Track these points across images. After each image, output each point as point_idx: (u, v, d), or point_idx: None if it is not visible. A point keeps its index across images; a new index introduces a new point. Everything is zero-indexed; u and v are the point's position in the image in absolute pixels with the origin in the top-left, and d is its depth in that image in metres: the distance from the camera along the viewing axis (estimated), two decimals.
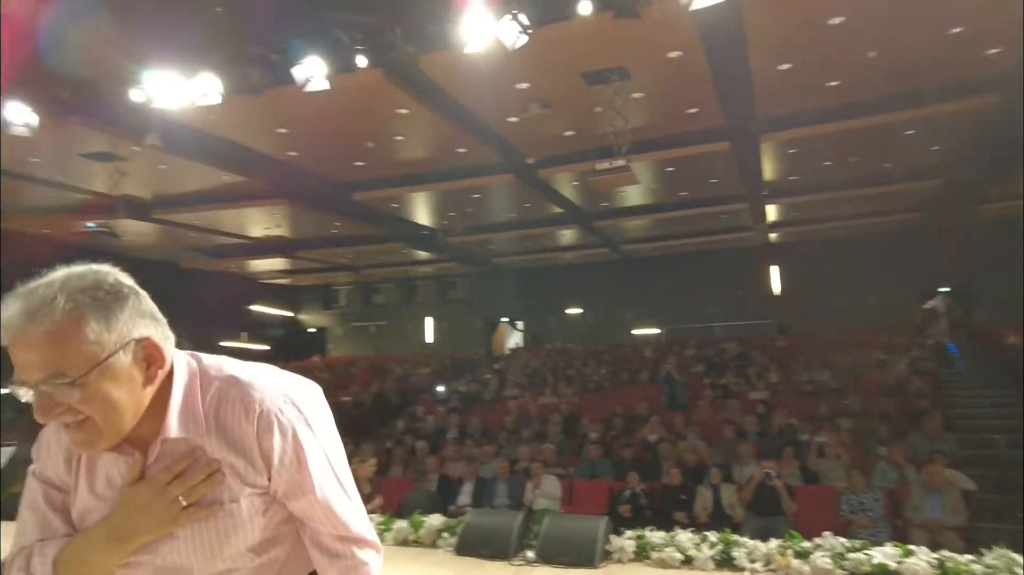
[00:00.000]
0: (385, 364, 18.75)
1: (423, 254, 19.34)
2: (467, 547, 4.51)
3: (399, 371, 17.14)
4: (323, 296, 24.88)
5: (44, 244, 15.03)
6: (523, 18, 6.40)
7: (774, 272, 18.86)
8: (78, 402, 1.04)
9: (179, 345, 1.23)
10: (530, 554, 4.29)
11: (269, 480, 1.17)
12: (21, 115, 8.40)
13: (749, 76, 8.30)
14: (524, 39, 6.45)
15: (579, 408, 10.83)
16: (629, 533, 4.33)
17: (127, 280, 1.15)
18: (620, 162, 8.25)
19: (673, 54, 7.62)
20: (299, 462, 1.17)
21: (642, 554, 4.20)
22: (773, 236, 17.92)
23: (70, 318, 1.04)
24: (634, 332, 20.01)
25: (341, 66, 7.57)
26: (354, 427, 11.60)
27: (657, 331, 19.82)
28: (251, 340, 23.50)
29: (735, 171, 11.92)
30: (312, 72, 7.45)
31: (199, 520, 1.14)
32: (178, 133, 9.47)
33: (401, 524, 4.88)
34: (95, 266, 1.13)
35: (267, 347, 23.75)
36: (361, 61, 7.52)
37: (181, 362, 1.20)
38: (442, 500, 7.18)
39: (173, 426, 1.14)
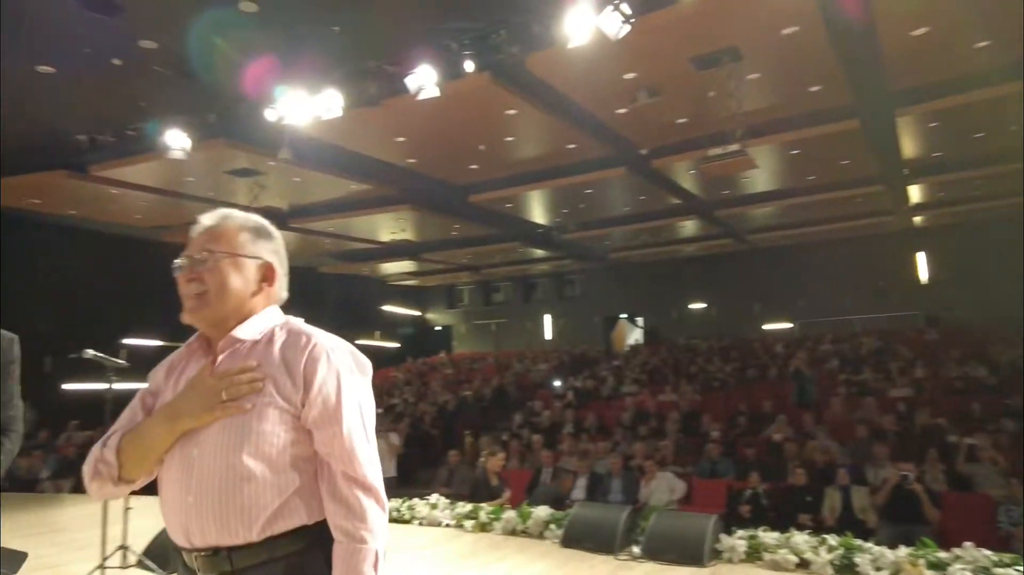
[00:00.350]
0: (505, 360, 19.16)
1: (539, 252, 19.57)
2: (573, 539, 4.54)
3: (518, 367, 17.44)
4: (447, 295, 25.85)
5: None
6: (625, 7, 6.32)
7: (920, 259, 17.15)
8: (207, 271, 1.49)
9: None
10: (636, 549, 4.25)
11: (303, 405, 1.35)
12: (178, 140, 9.45)
13: (877, 45, 7.63)
14: (627, 28, 6.37)
15: (700, 406, 10.49)
16: (741, 532, 4.16)
17: (276, 232, 1.65)
18: (734, 147, 7.91)
19: (788, 30, 7.17)
20: (337, 396, 1.37)
21: (754, 555, 4.03)
22: (918, 219, 16.32)
23: (234, 226, 1.56)
24: (765, 327, 18.99)
25: (451, 73, 7.86)
26: (475, 421, 11.98)
27: (789, 325, 18.71)
28: (383, 338, 24.92)
29: (868, 151, 11.00)
30: (424, 80, 7.78)
31: (232, 415, 1.35)
32: (307, 147, 10.27)
33: (510, 514, 5.00)
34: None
35: (397, 344, 25.09)
36: (468, 66, 7.76)
37: (279, 311, 1.58)
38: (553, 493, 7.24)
39: (245, 331, 1.47)
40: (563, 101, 9.12)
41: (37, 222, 14.19)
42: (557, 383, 14.48)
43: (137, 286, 16.62)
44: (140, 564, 4.05)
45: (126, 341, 17.06)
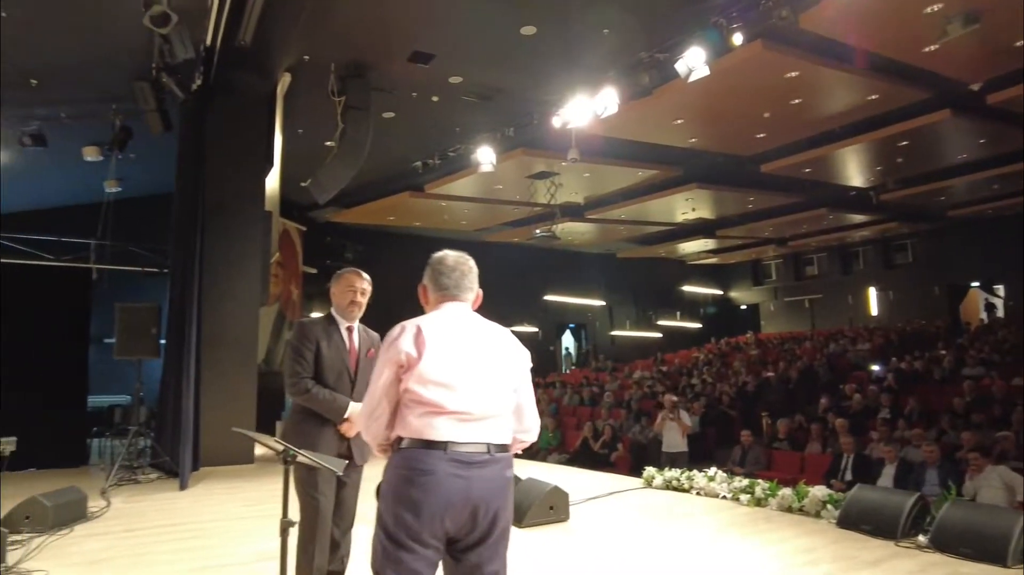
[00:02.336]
0: (820, 340, 17.67)
1: (857, 217, 17.53)
2: (850, 521, 4.35)
3: (833, 347, 15.98)
4: (752, 272, 24.70)
5: (513, 251, 19.08)
6: None
7: None
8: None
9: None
10: (922, 538, 3.92)
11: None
12: (486, 156, 11.00)
13: None
14: None
15: None
16: None
17: (437, 259, 2.22)
18: None
19: None
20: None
21: None
22: None
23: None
24: None
25: (720, 49, 7.80)
26: (776, 403, 11.50)
27: None
28: (684, 319, 24.98)
29: None
30: (693, 62, 7.84)
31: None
32: (592, 144, 11.06)
33: (785, 491, 4.97)
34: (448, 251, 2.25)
35: (699, 325, 24.89)
36: (738, 39, 7.61)
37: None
38: (857, 481, 6.75)
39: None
40: (852, 52, 8.25)
41: (392, 234, 17.81)
42: (876, 367, 12.95)
43: None
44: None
45: None
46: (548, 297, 22.13)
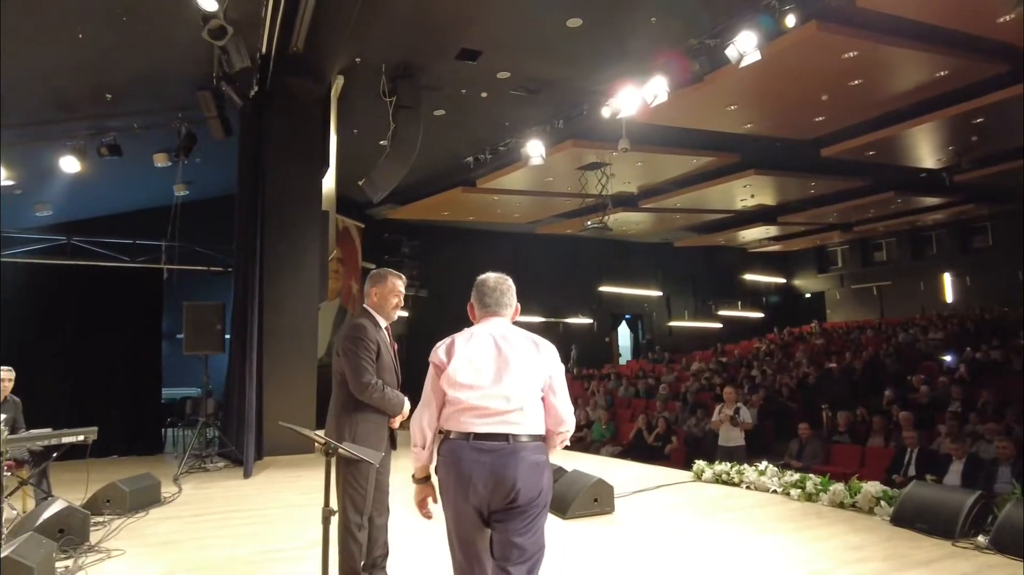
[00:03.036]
0: (887, 329, 16.94)
1: (929, 200, 16.68)
2: (905, 518, 4.21)
3: (903, 337, 15.29)
4: (817, 259, 23.85)
5: (566, 243, 19.05)
6: None
7: None
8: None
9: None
10: (982, 539, 3.77)
11: None
12: (536, 149, 11.03)
13: None
14: None
15: None
16: None
17: (480, 281, 2.55)
18: None
19: None
20: None
21: None
22: None
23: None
24: None
25: (772, 32, 7.58)
26: (838, 395, 11.13)
27: None
28: (746, 308, 24.36)
29: None
30: (744, 47, 7.65)
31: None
32: (644, 132, 10.94)
33: (838, 486, 4.85)
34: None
35: (761, 315, 24.22)
36: (791, 20, 7.38)
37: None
38: (921, 477, 6.49)
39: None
40: (915, 28, 7.85)
41: (446, 228, 18.08)
42: (948, 357, 12.33)
43: (521, 272, 19.81)
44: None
45: (519, 319, 20.49)
46: (603, 288, 22.00)
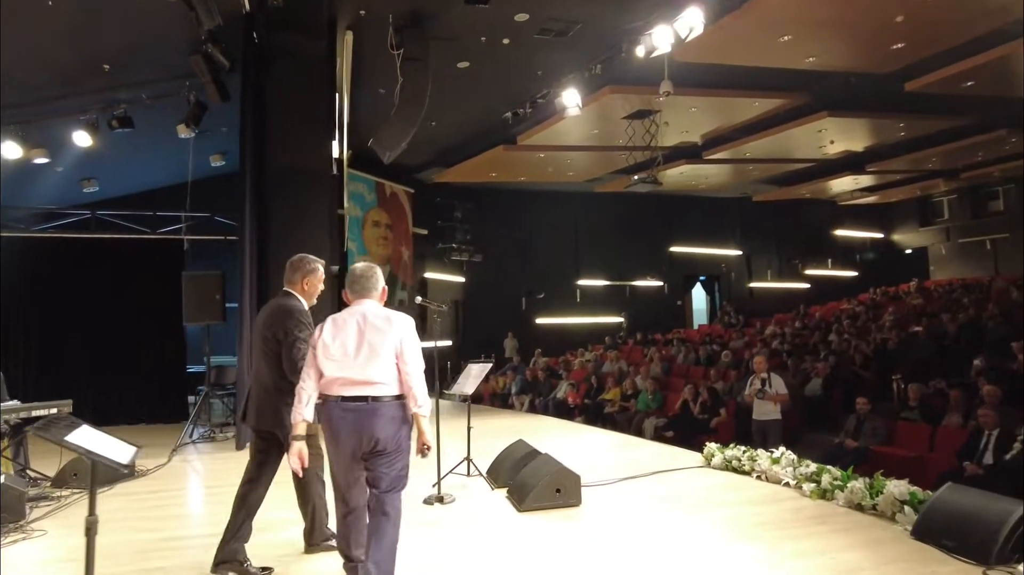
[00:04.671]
0: (1001, 287, 14.88)
1: None
2: (929, 532, 3.35)
3: (1016, 295, 13.33)
4: (919, 210, 21.40)
5: (630, 201, 17.97)
6: None
7: None
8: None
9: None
10: (1023, 568, 2.89)
11: None
12: (571, 98, 10.20)
13: None
14: None
15: None
16: None
17: (350, 271, 2.99)
18: None
19: None
20: None
21: None
22: None
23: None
24: None
25: None
26: (921, 362, 9.80)
27: None
28: (837, 267, 22.35)
29: None
30: None
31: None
32: (693, 74, 9.83)
33: (856, 484, 4.00)
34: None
35: (855, 273, 22.15)
36: None
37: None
38: (1000, 465, 5.42)
39: None
40: None
41: (499, 190, 17.48)
42: None
43: (581, 233, 18.99)
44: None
45: (580, 282, 19.76)
46: (674, 249, 20.80)
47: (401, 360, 2.79)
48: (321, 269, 3.49)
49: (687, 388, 9.97)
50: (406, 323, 2.86)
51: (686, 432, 9.40)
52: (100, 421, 8.35)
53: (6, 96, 7.22)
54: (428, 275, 17.20)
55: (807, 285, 21.78)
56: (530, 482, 4.17)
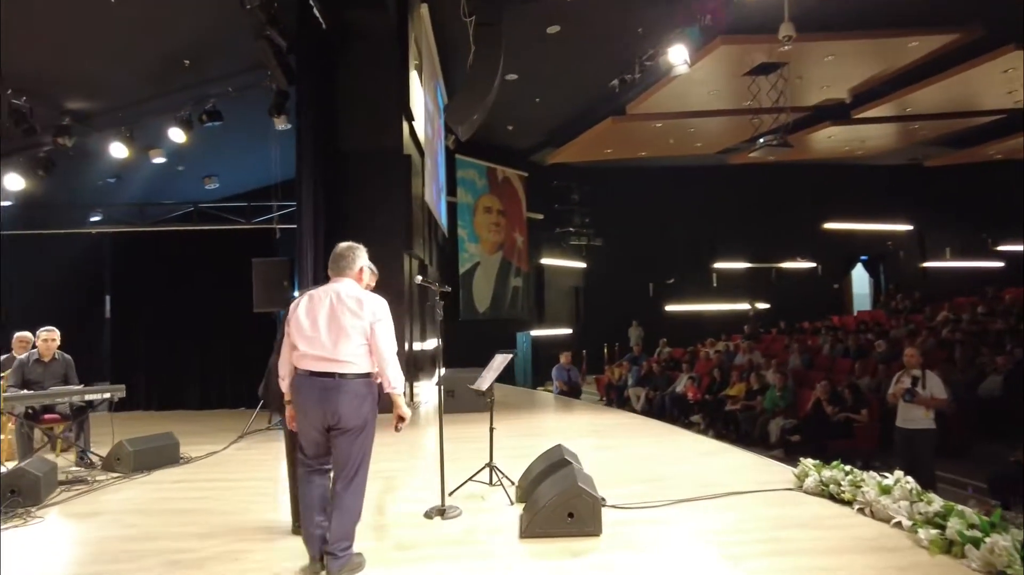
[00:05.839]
0: None
1: None
2: None
3: None
4: None
5: (773, 172, 15.99)
6: None
7: None
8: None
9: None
10: None
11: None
12: (678, 54, 9.06)
13: None
14: None
15: None
16: None
17: (335, 248, 3.10)
18: None
19: None
20: None
21: None
22: None
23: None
24: None
25: None
26: None
27: None
28: None
29: None
30: None
31: None
32: (825, 14, 8.27)
33: (1000, 541, 2.75)
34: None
35: None
36: None
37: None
38: None
39: None
40: None
41: (619, 169, 16.33)
42: None
43: (715, 211, 17.27)
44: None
45: (716, 265, 18.05)
46: (829, 225, 18.40)
47: (373, 342, 2.90)
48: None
49: (820, 385, 8.45)
50: (378, 306, 2.96)
51: (817, 436, 7.95)
52: (204, 405, 8.81)
53: (104, 98, 7.66)
54: (545, 261, 16.59)
55: (1000, 264, 18.28)
56: (540, 501, 3.40)
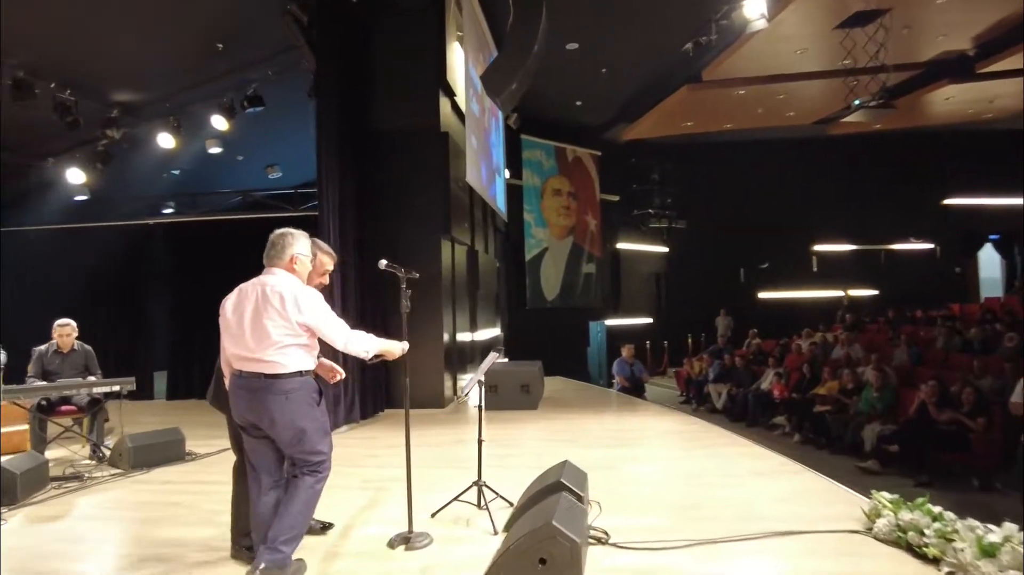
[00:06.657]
0: None
1: None
2: None
3: None
4: None
5: (881, 142, 14.17)
6: None
7: None
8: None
9: None
10: None
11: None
12: (756, 9, 7.99)
13: None
14: None
15: None
16: None
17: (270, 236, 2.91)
18: None
19: None
20: None
21: None
22: None
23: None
24: None
25: None
26: None
27: None
28: None
29: None
30: None
31: None
32: None
33: None
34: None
35: None
36: None
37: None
38: None
39: None
40: None
41: (702, 144, 15.00)
42: None
43: (815, 186, 15.57)
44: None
45: (816, 248, 16.35)
46: (949, 201, 16.22)
47: (319, 331, 2.75)
48: (324, 257, 3.10)
49: (925, 386, 7.15)
50: (304, 301, 2.72)
51: (919, 446, 6.71)
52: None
53: (148, 89, 7.62)
54: (621, 246, 15.62)
55: None
56: (510, 539, 2.74)
